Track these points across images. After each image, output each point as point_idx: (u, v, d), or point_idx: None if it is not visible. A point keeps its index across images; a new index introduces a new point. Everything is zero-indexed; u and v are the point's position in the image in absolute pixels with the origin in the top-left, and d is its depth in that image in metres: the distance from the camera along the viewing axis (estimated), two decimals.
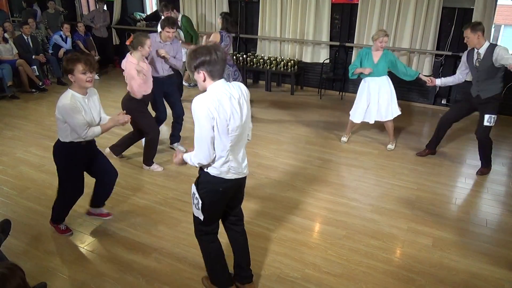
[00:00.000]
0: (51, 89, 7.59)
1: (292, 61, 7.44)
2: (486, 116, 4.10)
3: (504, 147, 5.17)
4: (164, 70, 4.48)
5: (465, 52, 4.27)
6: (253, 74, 8.27)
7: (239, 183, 2.38)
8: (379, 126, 5.55)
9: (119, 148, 4.48)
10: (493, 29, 6.78)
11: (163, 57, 4.36)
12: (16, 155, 4.70)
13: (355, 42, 7.03)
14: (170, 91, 4.62)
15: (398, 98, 4.87)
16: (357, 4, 6.82)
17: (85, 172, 3.11)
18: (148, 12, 11.26)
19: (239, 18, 8.05)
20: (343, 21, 7.15)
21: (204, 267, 2.62)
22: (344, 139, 5.21)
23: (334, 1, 7.02)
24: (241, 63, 7.84)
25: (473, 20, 5.96)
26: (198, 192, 2.29)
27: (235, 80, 5.50)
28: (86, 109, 2.82)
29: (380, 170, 4.44)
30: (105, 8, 9.20)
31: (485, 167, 4.39)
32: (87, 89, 2.83)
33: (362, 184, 4.13)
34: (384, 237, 3.22)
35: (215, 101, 2.07)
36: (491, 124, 4.13)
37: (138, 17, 10.12)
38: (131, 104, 3.96)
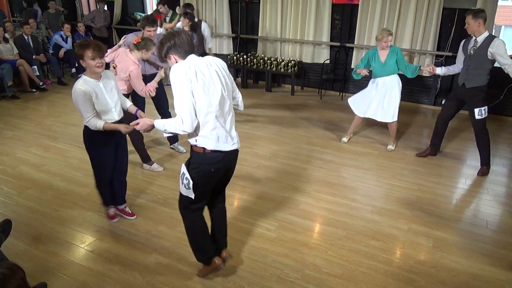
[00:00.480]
0: (52, 89, 7.60)
1: (292, 62, 7.44)
2: (476, 110, 4.13)
3: (504, 148, 5.17)
4: (146, 69, 4.37)
5: (463, 40, 4.27)
6: (254, 74, 8.27)
7: (230, 159, 2.43)
8: (379, 127, 5.55)
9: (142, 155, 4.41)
10: (493, 30, 6.79)
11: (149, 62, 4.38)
12: (16, 155, 4.70)
13: (355, 43, 7.04)
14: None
15: None
16: (358, 4, 6.83)
17: None
18: (149, 12, 11.26)
19: (240, 18, 8.05)
20: (344, 22, 7.15)
21: (199, 265, 2.62)
22: (344, 139, 5.21)
23: (334, 1, 7.02)
24: (241, 64, 7.84)
25: None
26: (189, 172, 2.34)
27: None
28: (98, 93, 2.85)
29: (380, 170, 4.44)
30: (105, 8, 9.21)
31: (485, 166, 4.38)
32: (101, 74, 2.88)
33: (362, 184, 4.12)
34: (385, 238, 3.22)
35: (192, 66, 2.17)
36: (483, 116, 4.16)
37: (139, 17, 10.10)
38: None
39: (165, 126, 2.30)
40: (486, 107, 4.15)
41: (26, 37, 7.39)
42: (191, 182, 2.34)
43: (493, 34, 4.12)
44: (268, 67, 7.63)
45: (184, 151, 4.78)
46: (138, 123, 2.53)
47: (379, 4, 6.60)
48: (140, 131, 2.51)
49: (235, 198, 3.84)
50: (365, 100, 4.89)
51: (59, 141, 5.12)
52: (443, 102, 6.68)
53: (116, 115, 2.98)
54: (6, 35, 7.18)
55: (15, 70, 7.00)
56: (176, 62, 2.25)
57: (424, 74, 4.68)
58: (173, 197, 3.78)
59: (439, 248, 3.11)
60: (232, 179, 4.11)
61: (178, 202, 2.59)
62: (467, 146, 5.13)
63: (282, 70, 7.53)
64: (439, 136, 4.70)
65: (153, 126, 2.44)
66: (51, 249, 3.05)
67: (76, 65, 8.11)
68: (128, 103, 3.20)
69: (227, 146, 2.35)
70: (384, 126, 5.18)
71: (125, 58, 3.88)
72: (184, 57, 2.25)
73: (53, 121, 5.84)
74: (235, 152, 2.46)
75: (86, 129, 2.97)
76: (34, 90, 7.31)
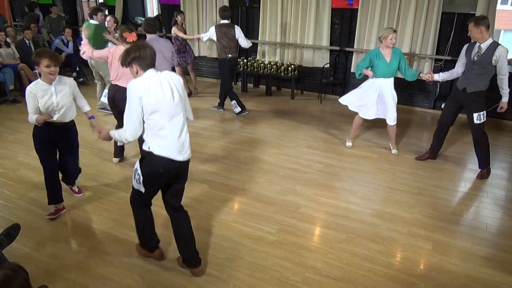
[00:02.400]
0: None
1: (292, 66, 7.47)
2: (475, 115, 4.15)
3: (504, 152, 5.19)
4: None
5: (466, 45, 4.25)
6: (254, 78, 8.31)
7: (180, 167, 2.64)
8: (379, 130, 5.57)
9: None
10: (493, 34, 6.82)
11: None
12: (17, 158, 4.71)
13: (355, 47, 7.07)
14: None
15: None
16: (357, 9, 6.87)
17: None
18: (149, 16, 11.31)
19: (240, 22, 8.10)
20: (343, 26, 7.19)
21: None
22: (349, 144, 5.18)
23: (334, 6, 7.06)
24: (241, 68, 7.88)
25: None
26: (140, 169, 2.57)
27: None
28: (46, 96, 3.21)
29: (380, 174, 4.45)
30: (106, 13, 9.25)
31: (484, 170, 4.39)
32: (55, 79, 3.24)
33: (362, 188, 4.14)
34: (384, 241, 3.23)
35: (145, 84, 2.42)
36: (481, 121, 4.17)
37: (139, 21, 10.17)
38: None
39: (115, 135, 2.59)
40: (484, 111, 4.17)
41: (27, 42, 7.43)
42: (141, 178, 2.57)
43: (493, 39, 4.13)
44: (268, 71, 7.67)
45: None
46: (100, 132, 2.81)
47: (378, 9, 6.64)
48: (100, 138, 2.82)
49: (235, 201, 3.85)
50: (367, 103, 4.79)
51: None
52: (442, 106, 6.72)
53: (56, 117, 3.29)
54: (8, 39, 7.22)
55: (16, 74, 7.04)
56: (137, 72, 2.49)
57: (423, 79, 4.67)
58: None
59: (438, 251, 3.12)
60: (232, 183, 4.16)
61: (130, 196, 2.80)
62: (466, 149, 5.15)
63: (282, 74, 7.56)
64: (439, 141, 4.70)
65: (110, 137, 2.70)
66: (52, 252, 3.06)
67: (77, 69, 8.15)
68: (87, 108, 3.59)
69: (177, 156, 2.56)
70: (383, 128, 5.19)
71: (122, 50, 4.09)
72: (144, 69, 2.48)
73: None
74: (185, 162, 2.67)
75: (33, 129, 3.34)
76: None
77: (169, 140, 2.52)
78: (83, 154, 4.34)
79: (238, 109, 6.34)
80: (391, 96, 4.71)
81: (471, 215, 3.71)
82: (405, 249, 3.14)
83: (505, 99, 4.09)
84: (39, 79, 3.25)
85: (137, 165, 2.59)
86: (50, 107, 3.25)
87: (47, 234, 3.28)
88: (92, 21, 6.16)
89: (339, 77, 7.50)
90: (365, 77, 4.81)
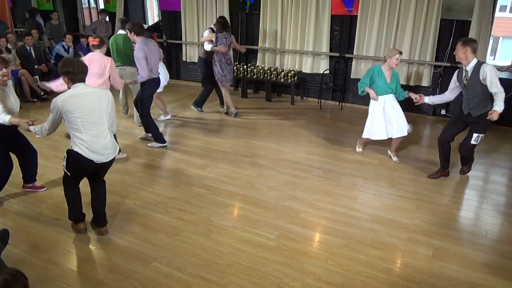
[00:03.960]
0: (53, 98, 7.62)
1: (292, 72, 7.50)
2: (474, 135, 4.07)
3: (503, 158, 5.19)
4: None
5: (456, 71, 4.24)
6: (254, 84, 8.33)
7: (99, 166, 3.12)
8: None
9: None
10: (491, 41, 6.86)
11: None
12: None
13: (354, 53, 7.11)
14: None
15: None
16: (357, 16, 6.91)
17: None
18: (150, 23, 11.37)
19: (240, 29, 8.14)
20: (343, 33, 7.22)
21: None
22: (360, 150, 5.18)
23: (333, 12, 7.10)
24: (241, 74, 7.91)
25: (470, 32, 6.05)
26: (65, 159, 3.07)
27: (223, 77, 6.39)
28: (5, 96, 3.44)
29: (380, 180, 4.45)
30: (107, 19, 9.30)
31: (465, 166, 4.44)
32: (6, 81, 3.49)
33: (362, 193, 4.13)
34: (384, 247, 3.22)
35: (66, 98, 2.89)
36: (477, 143, 4.12)
37: None
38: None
39: (35, 128, 3.17)
40: (483, 135, 4.08)
41: (28, 48, 7.47)
42: (65, 164, 3.08)
43: (490, 45, 4.12)
44: (268, 77, 7.69)
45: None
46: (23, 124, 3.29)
47: (377, 15, 6.68)
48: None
49: (235, 207, 3.85)
50: (379, 124, 4.79)
51: (59, 150, 5.15)
52: (442, 112, 6.75)
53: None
54: (9, 45, 7.25)
55: (17, 80, 7.06)
56: (67, 83, 2.99)
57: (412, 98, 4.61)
58: (173, 206, 3.79)
59: (438, 257, 3.12)
60: (232, 188, 4.16)
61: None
62: None
63: (282, 80, 7.59)
64: (445, 157, 4.45)
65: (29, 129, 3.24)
66: (50, 258, 3.04)
67: None
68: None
69: (96, 157, 3.02)
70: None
71: (97, 57, 4.55)
72: (73, 82, 2.95)
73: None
74: (105, 163, 3.15)
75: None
76: (35, 99, 7.35)
77: (89, 144, 2.99)
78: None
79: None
80: (395, 109, 4.74)
81: (471, 221, 3.71)
82: (405, 255, 3.13)
83: (497, 107, 3.83)
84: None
85: (65, 153, 3.08)
86: (10, 107, 3.49)
87: (45, 239, 3.27)
88: (121, 32, 5.93)
89: (338, 83, 7.53)
90: (368, 94, 4.78)
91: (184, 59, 8.98)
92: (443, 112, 6.74)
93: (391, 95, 4.73)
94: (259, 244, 3.23)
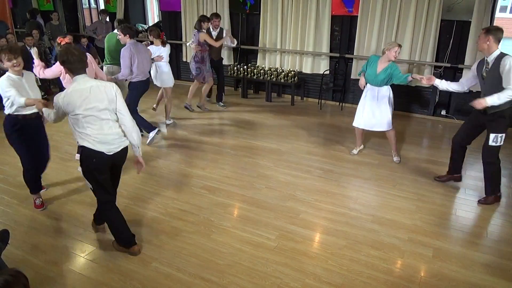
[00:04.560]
0: (53, 98, 7.62)
1: (292, 72, 7.50)
2: (492, 136, 3.70)
3: (503, 158, 5.15)
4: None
5: (477, 61, 3.91)
6: (254, 84, 8.33)
7: (113, 159, 2.93)
8: (378, 137, 5.57)
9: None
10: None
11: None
12: (17, 164, 4.67)
13: (354, 54, 7.10)
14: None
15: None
16: (357, 16, 6.91)
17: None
18: (150, 23, 11.39)
19: (240, 29, 8.15)
20: (343, 33, 7.23)
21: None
22: (354, 151, 5.17)
23: (334, 13, 7.11)
24: (241, 74, 7.91)
25: (470, 33, 6.05)
26: (79, 161, 2.96)
27: (197, 75, 6.70)
28: (20, 86, 3.37)
29: (380, 180, 4.45)
30: (107, 19, 9.31)
31: (491, 196, 3.95)
32: (22, 72, 3.43)
33: (362, 194, 4.13)
34: (385, 247, 3.22)
35: (66, 96, 2.75)
36: (497, 144, 3.70)
37: (140, 28, 10.24)
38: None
39: (46, 111, 3.09)
40: (503, 134, 3.70)
41: (28, 48, 7.46)
42: (81, 170, 3.00)
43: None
44: (268, 77, 7.69)
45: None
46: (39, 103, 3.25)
47: (378, 16, 6.68)
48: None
49: (235, 207, 3.85)
50: (359, 111, 4.87)
51: (60, 150, 5.15)
52: (442, 113, 6.74)
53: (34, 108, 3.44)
54: None
55: None
56: (66, 73, 2.90)
57: (422, 83, 4.42)
58: (174, 207, 3.79)
59: (439, 257, 3.11)
60: (232, 188, 4.16)
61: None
62: (467, 156, 5.13)
63: (282, 80, 7.59)
64: (454, 162, 4.29)
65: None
66: (51, 258, 3.05)
67: None
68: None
69: (106, 147, 2.86)
70: (382, 136, 5.20)
71: None
72: (72, 72, 2.79)
73: (54, 131, 5.86)
74: (118, 155, 2.96)
75: (5, 117, 3.45)
76: None
77: (94, 137, 2.84)
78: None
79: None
80: (378, 104, 4.68)
81: (472, 222, 3.71)
82: (406, 256, 3.13)
83: (489, 99, 3.50)
84: (7, 73, 3.36)
85: (77, 156, 3.08)
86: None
87: (45, 240, 3.27)
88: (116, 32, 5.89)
89: (339, 83, 7.53)
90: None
91: (184, 59, 8.99)
92: (443, 112, 6.74)
93: (376, 89, 4.66)
94: (259, 245, 3.23)
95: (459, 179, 4.40)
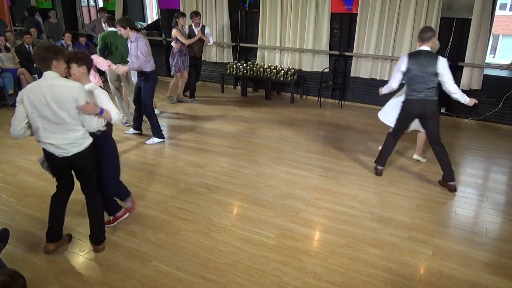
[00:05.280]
0: None
1: (291, 70, 7.49)
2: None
3: (502, 156, 5.18)
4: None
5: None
6: (253, 82, 8.32)
7: (67, 160, 2.87)
8: (380, 135, 5.56)
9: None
10: (491, 39, 6.84)
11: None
12: (16, 163, 4.70)
13: (354, 52, 7.09)
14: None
15: None
16: (356, 14, 6.90)
17: None
18: (149, 21, 11.36)
19: (240, 27, 8.13)
20: (343, 31, 7.21)
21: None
22: (421, 158, 4.89)
23: (333, 11, 7.09)
24: (241, 72, 7.89)
25: (470, 30, 6.03)
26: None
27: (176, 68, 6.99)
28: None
29: (379, 178, 4.44)
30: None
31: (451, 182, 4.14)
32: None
33: (361, 192, 4.13)
34: (384, 246, 3.22)
35: (29, 90, 2.68)
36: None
37: (139, 26, 10.20)
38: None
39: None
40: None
41: (27, 46, 7.44)
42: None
43: (490, 43, 4.02)
44: (268, 75, 7.68)
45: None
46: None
47: (377, 13, 6.66)
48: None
49: (234, 205, 3.84)
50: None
51: None
52: (442, 111, 6.73)
53: None
54: (7, 44, 7.23)
55: (16, 79, 7.04)
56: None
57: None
58: (173, 205, 3.78)
59: (439, 256, 3.11)
60: (232, 187, 4.15)
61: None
62: (464, 154, 5.15)
63: (282, 78, 7.58)
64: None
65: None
66: (50, 257, 3.04)
67: None
68: None
69: (56, 150, 2.82)
70: (382, 134, 5.19)
71: None
72: (43, 69, 2.72)
73: None
74: (70, 159, 2.86)
75: (98, 136, 3.03)
76: None
77: (46, 140, 2.84)
78: None
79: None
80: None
81: (471, 220, 3.70)
82: (405, 254, 3.13)
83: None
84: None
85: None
86: None
87: (44, 238, 3.25)
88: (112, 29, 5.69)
89: (338, 81, 7.51)
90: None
91: None
92: (443, 110, 6.72)
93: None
94: (259, 243, 3.22)
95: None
